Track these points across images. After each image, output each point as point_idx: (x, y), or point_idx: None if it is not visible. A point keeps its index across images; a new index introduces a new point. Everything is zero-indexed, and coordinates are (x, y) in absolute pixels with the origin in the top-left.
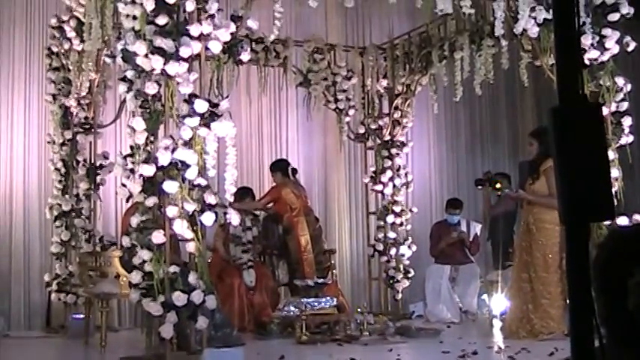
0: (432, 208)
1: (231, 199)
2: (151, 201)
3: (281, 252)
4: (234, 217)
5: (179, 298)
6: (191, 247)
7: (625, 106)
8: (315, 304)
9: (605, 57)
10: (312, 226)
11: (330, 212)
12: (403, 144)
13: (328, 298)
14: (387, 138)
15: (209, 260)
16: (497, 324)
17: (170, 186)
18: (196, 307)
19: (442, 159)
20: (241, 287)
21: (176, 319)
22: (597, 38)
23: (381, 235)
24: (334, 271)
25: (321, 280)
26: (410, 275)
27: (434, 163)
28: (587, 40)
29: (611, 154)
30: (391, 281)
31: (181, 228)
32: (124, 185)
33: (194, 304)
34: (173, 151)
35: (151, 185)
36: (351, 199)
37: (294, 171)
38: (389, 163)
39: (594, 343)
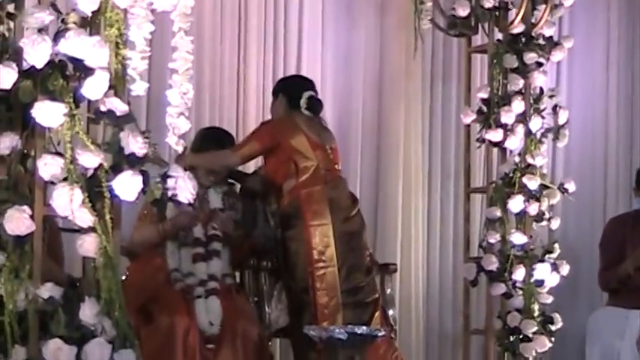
0: (606, 185)
1: (181, 149)
2: (6, 143)
3: (276, 262)
4: (183, 187)
5: (59, 353)
6: (89, 245)
7: None
8: None
9: None
10: (343, 211)
11: (386, 187)
12: (553, 43)
13: None
14: (519, 29)
15: (125, 275)
16: None
17: (48, 111)
18: None
19: (634, 77)
20: (191, 334)
21: None
22: None
23: (494, 239)
24: (391, 312)
25: (361, 330)
26: (553, 328)
27: (616, 87)
28: None
29: None
30: (513, 339)
31: (69, 204)
32: None
33: None
34: (57, 38)
35: (5, 109)
36: (433, 160)
37: (315, 102)
38: (519, 83)
39: None
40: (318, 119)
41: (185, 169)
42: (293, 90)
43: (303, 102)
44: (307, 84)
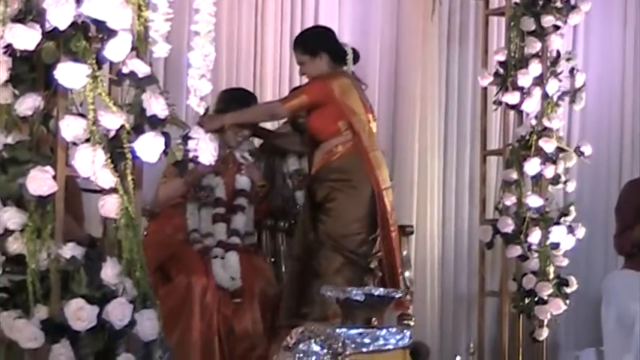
0: (622, 149)
1: (203, 111)
2: (29, 104)
3: (293, 223)
4: (204, 149)
5: (80, 312)
6: (111, 206)
7: None
8: (366, 340)
9: None
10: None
11: (402, 148)
12: (570, 6)
13: (395, 330)
14: None
15: (144, 234)
16: None
17: (71, 72)
18: (116, 335)
19: None
20: (209, 294)
21: (71, 358)
22: None
23: (510, 202)
24: (407, 274)
25: (378, 292)
26: (568, 291)
27: (633, 50)
28: None
29: None
30: (528, 301)
31: (91, 165)
32: None
33: (112, 328)
34: None
35: (28, 70)
36: (449, 123)
37: (357, 54)
38: (536, 46)
39: None
40: (360, 81)
41: (206, 131)
42: (335, 45)
43: (350, 57)
44: (334, 35)
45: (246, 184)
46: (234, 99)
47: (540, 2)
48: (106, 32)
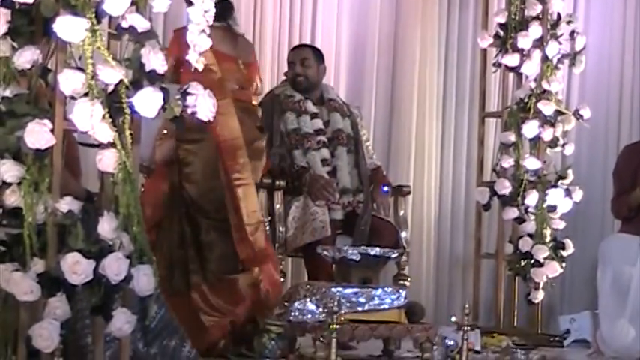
0: (620, 112)
1: (201, 67)
2: (27, 57)
3: (290, 183)
4: (203, 104)
5: (77, 266)
6: (108, 160)
7: None
8: (362, 299)
9: None
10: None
11: (400, 109)
12: None
13: (390, 289)
14: None
15: (141, 190)
16: None
17: (70, 26)
18: (112, 289)
19: None
20: None
21: (67, 311)
22: None
23: (507, 164)
24: (403, 234)
25: (374, 251)
26: (565, 254)
27: (634, 14)
28: None
29: None
30: (524, 263)
31: (89, 119)
32: None
33: (108, 282)
34: None
35: (27, 23)
36: (448, 84)
37: (222, 9)
38: (537, 8)
39: None
40: (234, 31)
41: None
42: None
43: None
44: None
45: None
46: None
47: None
48: None
